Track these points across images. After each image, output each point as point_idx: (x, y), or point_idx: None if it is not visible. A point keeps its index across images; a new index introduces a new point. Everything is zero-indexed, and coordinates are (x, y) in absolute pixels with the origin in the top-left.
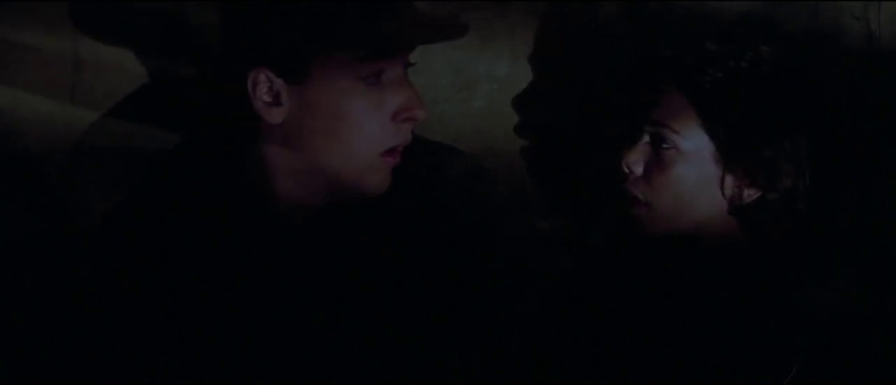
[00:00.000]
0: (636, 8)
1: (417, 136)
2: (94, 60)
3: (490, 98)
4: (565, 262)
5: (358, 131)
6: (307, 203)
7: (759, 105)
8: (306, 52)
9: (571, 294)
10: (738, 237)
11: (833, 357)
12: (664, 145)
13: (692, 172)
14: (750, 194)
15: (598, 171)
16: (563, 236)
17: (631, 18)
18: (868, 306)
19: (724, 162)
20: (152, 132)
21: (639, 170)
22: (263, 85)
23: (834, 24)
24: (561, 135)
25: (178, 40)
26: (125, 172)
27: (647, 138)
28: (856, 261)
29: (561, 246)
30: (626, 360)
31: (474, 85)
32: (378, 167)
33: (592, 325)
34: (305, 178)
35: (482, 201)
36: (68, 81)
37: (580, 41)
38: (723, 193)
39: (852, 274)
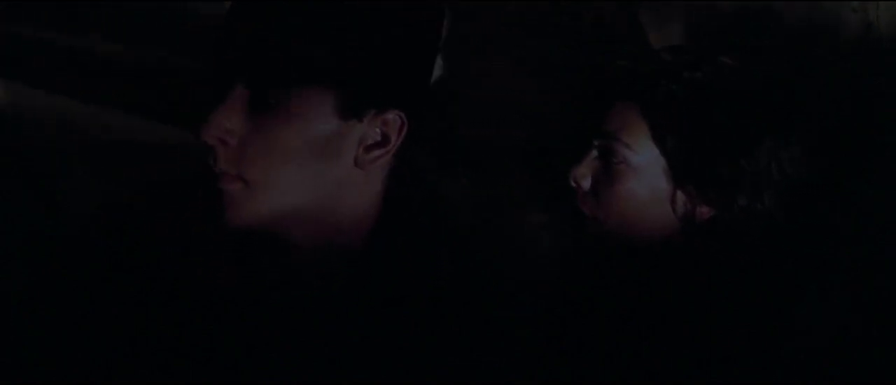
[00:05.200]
0: (629, 8)
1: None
2: (93, 55)
3: (480, 93)
4: (556, 264)
5: None
6: None
7: (717, 119)
8: None
9: (561, 296)
10: (700, 254)
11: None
12: (614, 159)
13: (643, 188)
14: (703, 213)
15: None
16: (558, 232)
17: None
18: (864, 318)
19: (675, 178)
20: (152, 127)
21: (586, 185)
22: None
23: (832, 15)
24: (551, 130)
25: (178, 35)
26: (125, 167)
27: (595, 152)
28: (854, 266)
29: (554, 241)
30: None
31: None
32: None
33: (578, 334)
34: None
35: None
36: (68, 76)
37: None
38: (674, 211)
39: (849, 279)
